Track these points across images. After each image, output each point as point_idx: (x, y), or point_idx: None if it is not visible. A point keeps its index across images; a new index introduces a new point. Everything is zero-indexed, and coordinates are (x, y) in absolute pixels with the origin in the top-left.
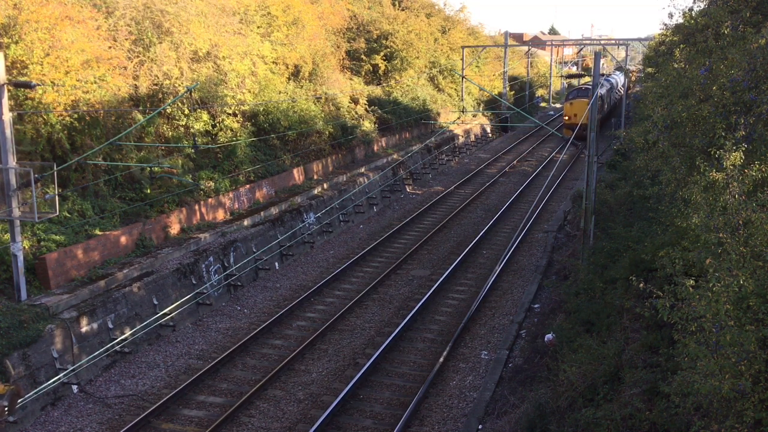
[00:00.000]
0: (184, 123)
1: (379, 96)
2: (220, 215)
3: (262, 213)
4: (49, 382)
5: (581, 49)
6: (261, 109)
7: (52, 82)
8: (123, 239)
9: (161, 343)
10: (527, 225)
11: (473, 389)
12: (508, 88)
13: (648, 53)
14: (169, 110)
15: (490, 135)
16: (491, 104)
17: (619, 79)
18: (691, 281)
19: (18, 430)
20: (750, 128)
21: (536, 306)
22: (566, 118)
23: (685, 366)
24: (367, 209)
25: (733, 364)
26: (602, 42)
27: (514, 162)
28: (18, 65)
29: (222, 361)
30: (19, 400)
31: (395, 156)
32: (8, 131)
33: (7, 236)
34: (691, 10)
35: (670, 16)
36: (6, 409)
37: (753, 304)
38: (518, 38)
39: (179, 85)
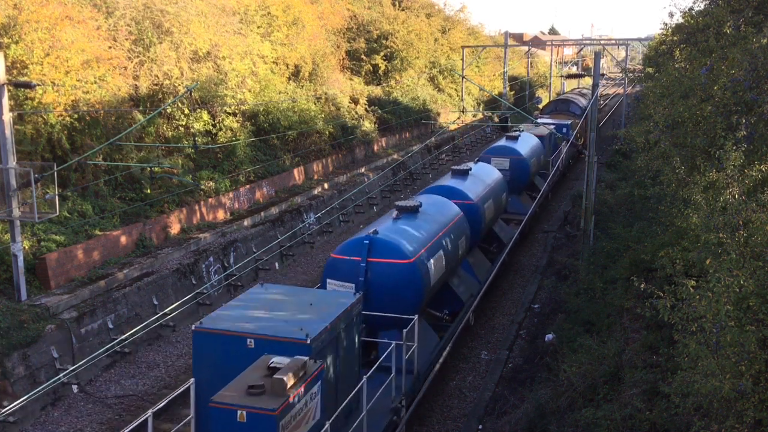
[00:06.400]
0: (184, 123)
1: (379, 96)
2: (220, 215)
3: (262, 213)
4: (49, 382)
5: (581, 49)
6: (261, 109)
7: (52, 82)
8: (123, 239)
9: (161, 343)
10: (527, 225)
11: (473, 389)
12: (508, 88)
13: (648, 53)
14: (169, 110)
15: (490, 135)
16: (491, 104)
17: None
18: (692, 281)
19: (18, 430)
20: (751, 128)
21: (536, 306)
22: None
23: (685, 366)
24: (367, 209)
25: (734, 364)
26: (602, 42)
27: None
28: (18, 65)
29: None
30: (14, 401)
31: (395, 156)
32: (8, 131)
33: (7, 236)
34: (691, 9)
35: (671, 15)
36: None
37: (753, 304)
38: (518, 38)
39: (179, 85)
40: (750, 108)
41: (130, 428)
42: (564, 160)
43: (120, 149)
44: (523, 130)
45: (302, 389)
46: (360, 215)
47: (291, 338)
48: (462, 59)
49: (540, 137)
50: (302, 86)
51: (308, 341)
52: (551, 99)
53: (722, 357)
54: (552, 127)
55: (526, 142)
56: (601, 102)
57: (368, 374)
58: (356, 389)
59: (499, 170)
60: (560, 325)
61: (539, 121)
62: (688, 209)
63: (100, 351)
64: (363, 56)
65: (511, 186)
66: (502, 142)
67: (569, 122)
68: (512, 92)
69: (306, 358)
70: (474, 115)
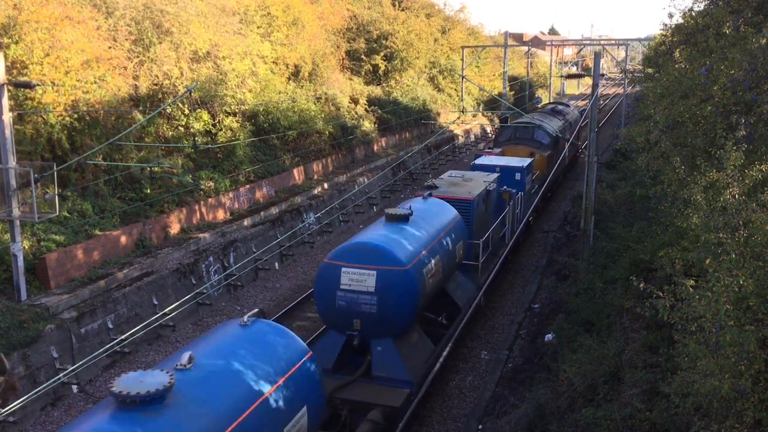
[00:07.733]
0: (184, 123)
1: (379, 96)
2: (220, 215)
3: (262, 213)
4: (49, 382)
5: (581, 49)
6: (261, 109)
7: (52, 82)
8: (123, 239)
9: (161, 343)
10: (527, 225)
11: (473, 389)
12: (508, 89)
13: (648, 53)
14: (169, 110)
15: (490, 135)
16: (491, 104)
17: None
18: (692, 281)
19: (18, 430)
20: (751, 128)
21: (536, 306)
22: None
23: (685, 366)
24: (367, 209)
25: (733, 364)
26: (602, 42)
27: None
28: (18, 65)
29: None
30: (19, 398)
31: (395, 156)
32: (8, 131)
33: (7, 236)
34: (690, 10)
35: (670, 16)
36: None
37: (753, 304)
38: (518, 38)
39: (179, 85)
40: (750, 108)
41: None
42: (522, 227)
43: (120, 149)
44: (432, 193)
45: None
46: (360, 215)
47: None
48: (462, 59)
49: (465, 203)
50: (302, 86)
51: None
52: (501, 127)
53: (722, 357)
54: (494, 176)
55: (425, 226)
56: (601, 102)
57: None
58: None
59: (359, 293)
60: (560, 325)
61: (477, 162)
62: (688, 209)
63: (100, 351)
64: (363, 56)
65: (381, 329)
66: (374, 232)
67: (525, 163)
68: (512, 92)
69: None
70: (474, 116)
